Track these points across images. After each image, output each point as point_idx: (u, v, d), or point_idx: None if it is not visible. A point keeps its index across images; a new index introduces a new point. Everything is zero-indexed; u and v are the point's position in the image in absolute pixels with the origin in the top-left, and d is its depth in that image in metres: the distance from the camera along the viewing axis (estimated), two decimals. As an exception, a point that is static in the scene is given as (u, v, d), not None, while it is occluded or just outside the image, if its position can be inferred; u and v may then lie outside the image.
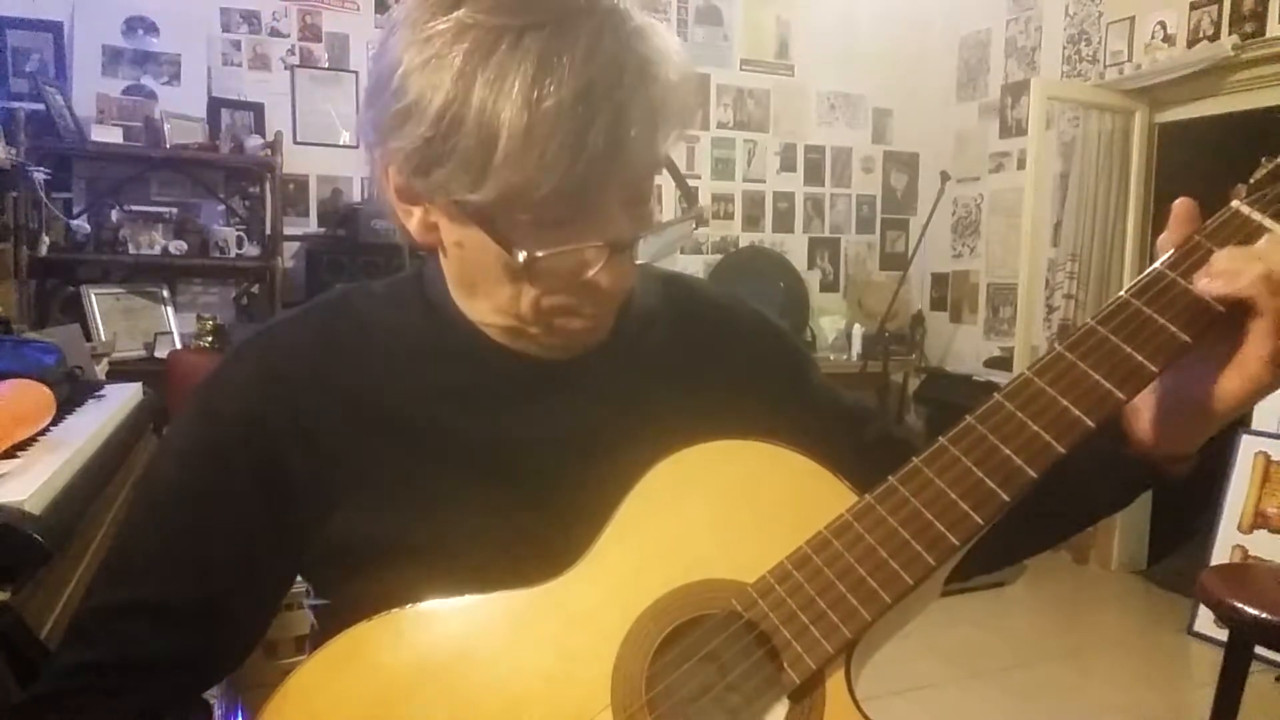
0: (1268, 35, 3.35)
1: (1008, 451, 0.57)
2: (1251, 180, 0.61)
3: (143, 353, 3.54)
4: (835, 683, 0.57)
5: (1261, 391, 0.58)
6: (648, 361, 0.74)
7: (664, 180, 0.68)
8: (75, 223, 3.49)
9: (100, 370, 2.74)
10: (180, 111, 3.65)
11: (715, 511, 0.63)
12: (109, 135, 3.44)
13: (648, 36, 0.60)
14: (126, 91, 3.64)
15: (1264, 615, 1.92)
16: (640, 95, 0.58)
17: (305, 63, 3.95)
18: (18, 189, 3.22)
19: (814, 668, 0.56)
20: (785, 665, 0.57)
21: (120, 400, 1.92)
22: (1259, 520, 3.18)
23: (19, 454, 1.36)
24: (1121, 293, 0.60)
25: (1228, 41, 3.41)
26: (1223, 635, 2.24)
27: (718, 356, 0.78)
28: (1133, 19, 3.85)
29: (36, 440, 1.45)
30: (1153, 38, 3.77)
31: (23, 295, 3.25)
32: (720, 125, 4.63)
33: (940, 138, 4.86)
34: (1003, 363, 4.27)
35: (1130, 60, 3.86)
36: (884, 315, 4.22)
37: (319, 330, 0.73)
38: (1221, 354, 0.58)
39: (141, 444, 1.87)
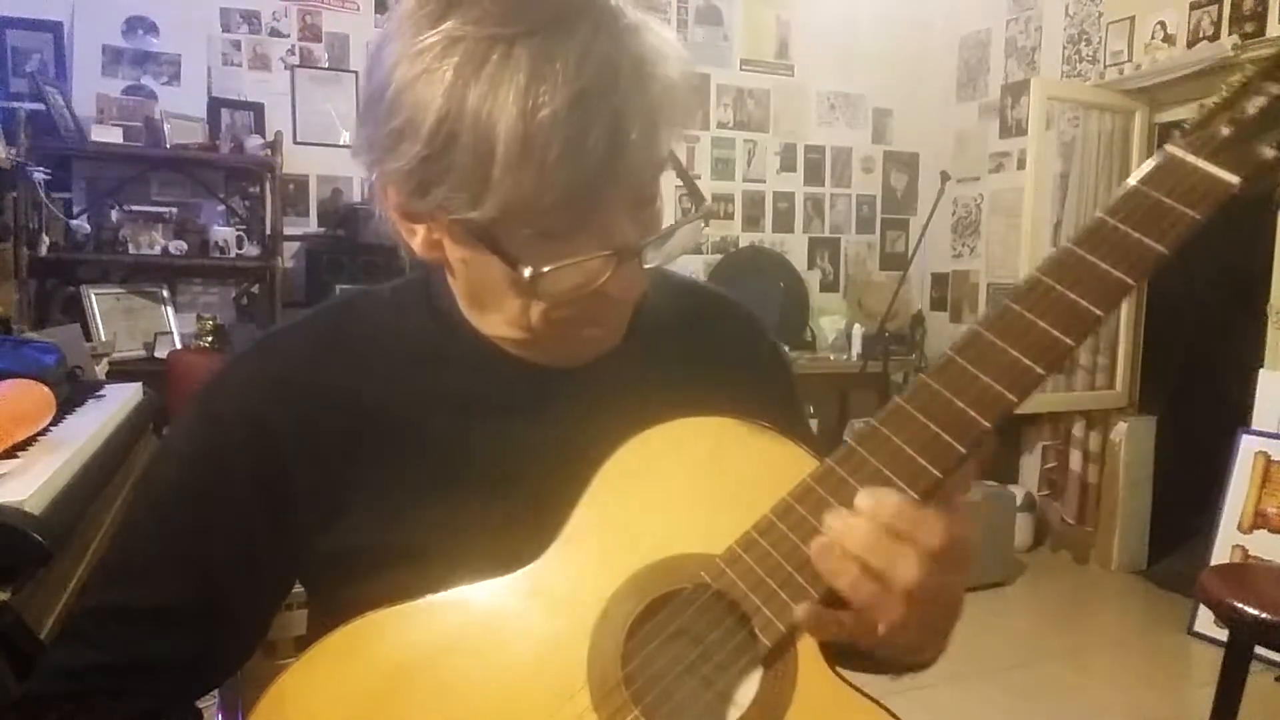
0: (1268, 35, 3.35)
1: (961, 405, 0.57)
2: (1187, 125, 0.61)
3: (143, 353, 3.54)
4: (807, 644, 0.58)
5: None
6: (654, 365, 0.73)
7: (667, 178, 0.67)
8: (75, 223, 3.49)
9: (100, 370, 2.74)
10: (180, 111, 3.65)
11: (682, 488, 0.64)
12: (109, 135, 3.44)
13: (642, 34, 0.58)
14: (126, 91, 3.65)
15: (1264, 615, 1.92)
16: (637, 97, 0.57)
17: (305, 63, 3.95)
18: (18, 189, 3.22)
19: (783, 631, 0.57)
20: (756, 631, 0.57)
21: (120, 400, 1.92)
22: (1259, 520, 3.18)
23: (19, 454, 1.36)
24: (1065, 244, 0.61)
25: (1228, 41, 3.41)
26: (1223, 635, 2.24)
27: (718, 356, 0.78)
28: (1133, 19, 3.85)
29: (36, 440, 1.45)
30: (1153, 38, 3.77)
31: (23, 295, 3.24)
32: (720, 125, 4.63)
33: (940, 138, 4.86)
34: (1003, 363, 4.26)
35: (1130, 60, 3.86)
36: (884, 315, 4.22)
37: (324, 335, 0.72)
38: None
39: (141, 444, 1.87)
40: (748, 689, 0.58)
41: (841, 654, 0.60)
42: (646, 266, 0.63)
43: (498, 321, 0.67)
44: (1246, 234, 3.30)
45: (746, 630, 0.58)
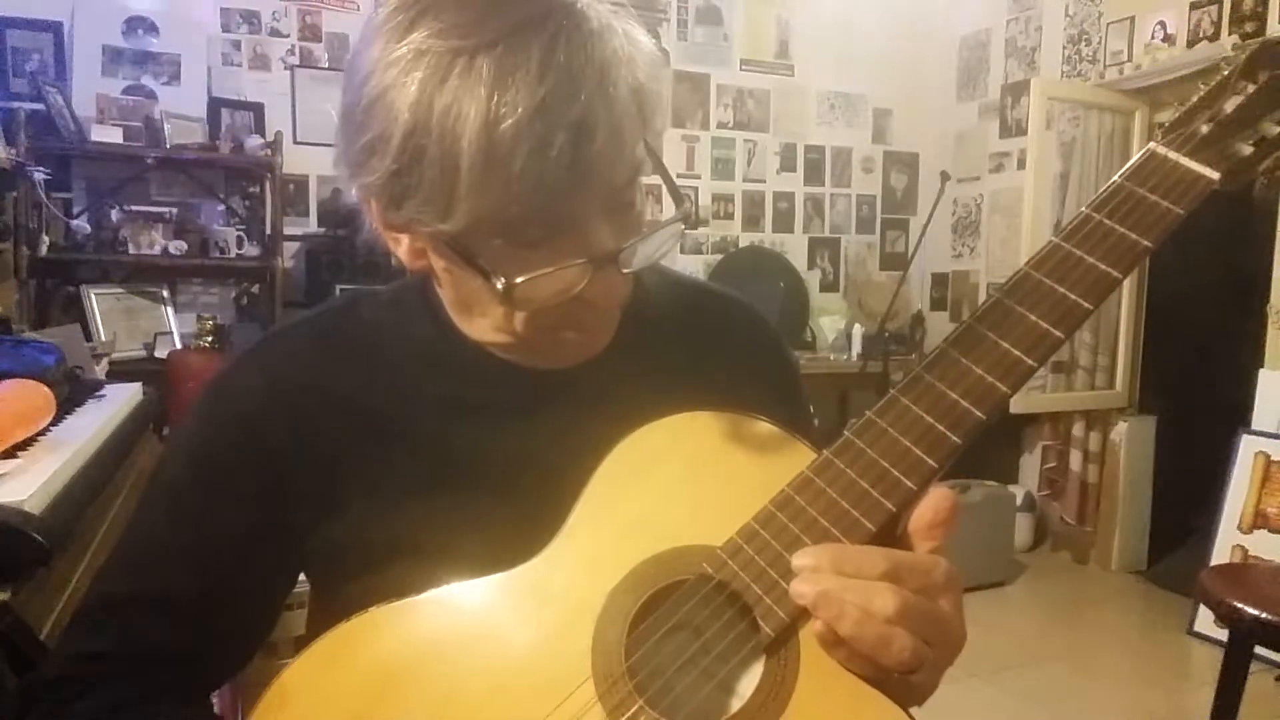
0: (1268, 35, 3.35)
1: (955, 396, 0.58)
2: (1167, 123, 0.64)
3: (143, 353, 3.54)
4: (809, 633, 0.58)
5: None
6: (651, 364, 0.73)
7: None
8: (75, 223, 3.49)
9: (100, 370, 2.74)
10: (180, 111, 3.65)
11: (682, 481, 0.64)
12: (109, 135, 3.44)
13: (608, 39, 0.57)
14: (126, 91, 3.65)
15: (1264, 615, 1.92)
16: (601, 103, 0.56)
17: (305, 63, 3.95)
18: (18, 189, 3.22)
19: (786, 620, 0.57)
20: (759, 620, 0.58)
21: (120, 400, 1.92)
22: (1259, 520, 3.18)
23: (19, 454, 1.36)
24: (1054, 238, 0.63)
25: (1228, 41, 3.41)
26: (1223, 635, 2.24)
27: (718, 353, 0.78)
28: (1133, 19, 3.85)
29: (36, 440, 1.45)
30: (1153, 38, 3.77)
31: (23, 295, 3.25)
32: (720, 125, 4.63)
33: (940, 138, 4.86)
34: (1003, 363, 4.26)
35: (1130, 60, 3.86)
36: (884, 315, 4.22)
37: (324, 336, 0.73)
38: None
39: (141, 444, 1.87)
40: (751, 678, 0.59)
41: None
42: (626, 271, 0.63)
43: (485, 327, 0.68)
44: (1247, 234, 3.30)
45: (749, 620, 0.58)
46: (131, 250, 3.52)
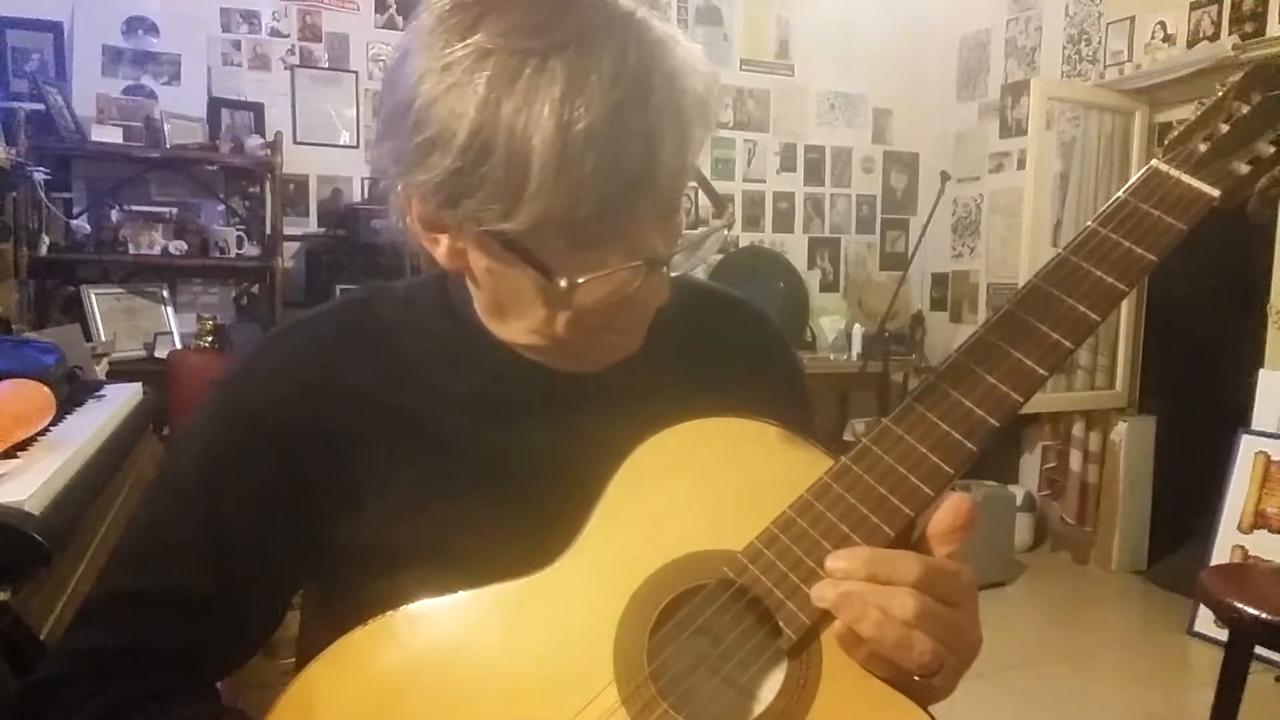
0: (1268, 35, 3.35)
1: (970, 404, 0.60)
2: (1167, 142, 0.66)
3: (143, 353, 3.54)
4: (830, 636, 0.58)
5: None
6: (667, 368, 0.73)
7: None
8: (75, 223, 3.49)
9: (100, 370, 2.74)
10: (180, 111, 3.66)
11: (699, 487, 0.65)
12: (109, 135, 3.44)
13: (671, 48, 0.59)
14: (126, 91, 3.65)
15: (1264, 615, 1.92)
16: (670, 110, 0.57)
17: (305, 63, 3.95)
18: (18, 189, 3.21)
19: (808, 624, 0.58)
20: (781, 624, 0.58)
21: (120, 400, 1.92)
22: (1259, 520, 3.18)
23: (19, 454, 1.37)
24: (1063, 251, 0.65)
25: (1228, 41, 3.41)
26: (1223, 635, 2.24)
27: (726, 355, 0.79)
28: (1133, 19, 3.85)
29: (36, 440, 1.46)
30: (1153, 38, 3.78)
31: (23, 295, 3.25)
32: (720, 125, 4.63)
33: (940, 138, 4.86)
34: (1003, 363, 4.26)
35: (1130, 60, 3.86)
36: (884, 315, 4.22)
37: (343, 331, 0.72)
38: None
39: (141, 444, 1.87)
40: (774, 682, 0.59)
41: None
42: (673, 274, 0.65)
43: (519, 330, 0.67)
44: (1247, 235, 3.30)
45: (771, 625, 0.59)
46: (131, 250, 3.52)
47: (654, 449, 0.65)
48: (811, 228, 4.89)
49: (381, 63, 4.05)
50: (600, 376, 0.70)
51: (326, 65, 3.98)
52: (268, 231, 3.77)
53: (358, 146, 4.03)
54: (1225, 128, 0.64)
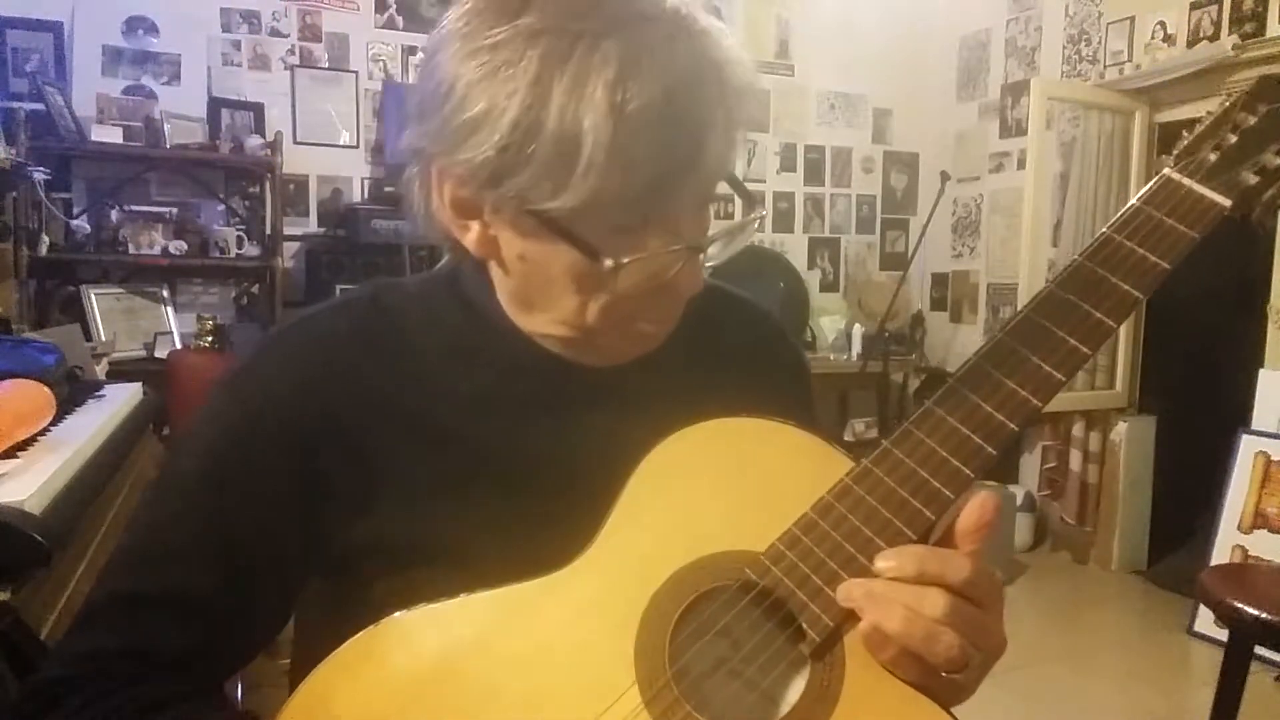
0: (1268, 35, 3.35)
1: (989, 409, 0.61)
2: (1176, 151, 0.67)
3: (143, 353, 3.54)
4: (853, 638, 0.58)
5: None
6: (675, 367, 0.72)
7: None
8: (75, 223, 3.49)
9: (100, 370, 2.74)
10: (180, 111, 3.66)
11: (719, 487, 0.64)
12: (109, 135, 3.44)
13: (717, 40, 0.60)
14: (126, 91, 3.65)
15: (1264, 615, 1.92)
16: (717, 98, 0.59)
17: (305, 63, 3.95)
18: (18, 189, 3.22)
19: (831, 626, 0.58)
20: (804, 626, 0.58)
21: (120, 400, 1.92)
22: (1259, 520, 3.18)
23: (19, 454, 1.37)
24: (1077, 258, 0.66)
25: (1228, 41, 3.41)
26: (1223, 635, 2.24)
27: (742, 362, 0.78)
28: (1133, 19, 3.85)
29: (36, 440, 1.46)
30: (1153, 38, 3.78)
31: (23, 295, 3.24)
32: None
33: (940, 138, 4.86)
34: (1003, 363, 4.26)
35: (1130, 60, 3.86)
36: (884, 315, 4.22)
37: (354, 326, 0.71)
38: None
39: (141, 444, 1.87)
40: (797, 683, 0.59)
41: None
42: (709, 264, 0.65)
43: (545, 320, 0.67)
44: (1247, 235, 3.30)
45: (794, 627, 0.59)
46: (131, 250, 3.52)
47: (673, 448, 0.65)
48: (811, 228, 4.89)
49: (382, 62, 4.06)
50: (613, 374, 0.70)
51: (326, 65, 3.98)
52: (268, 231, 3.77)
53: (358, 146, 4.03)
54: (1233, 138, 0.65)
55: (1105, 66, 3.97)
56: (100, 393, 1.98)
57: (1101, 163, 3.92)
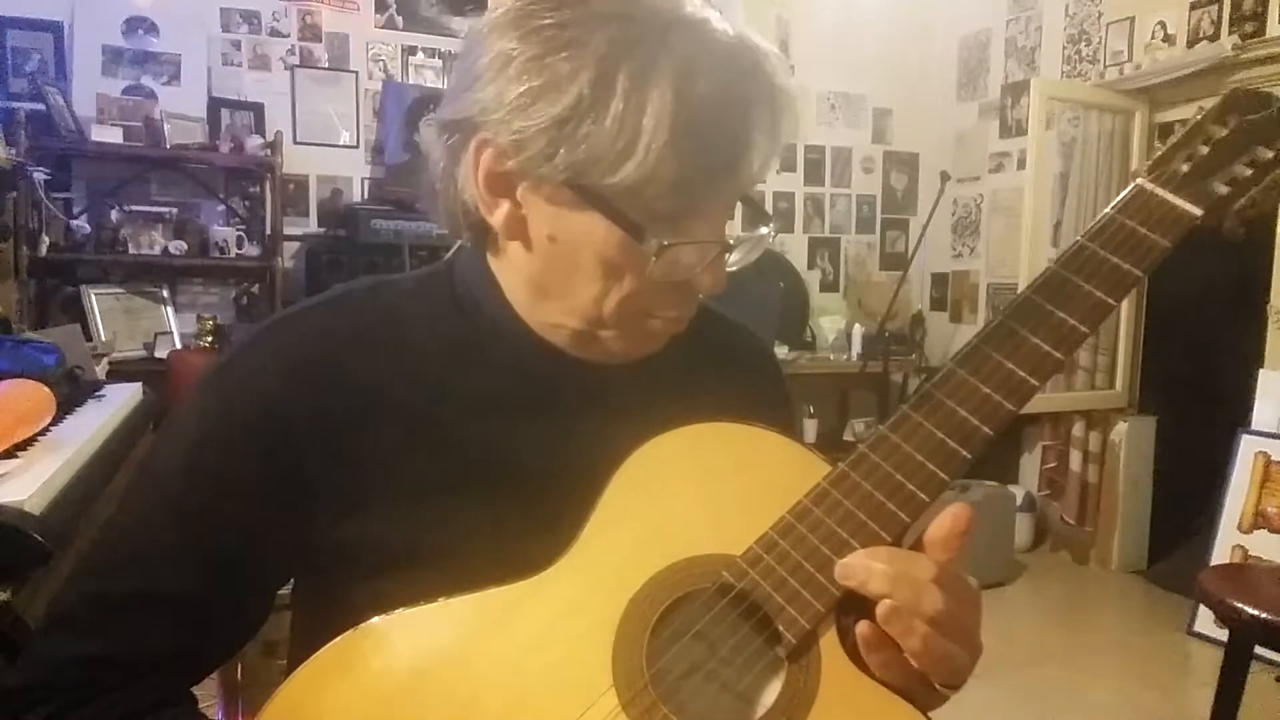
0: (1268, 35, 3.35)
1: (964, 414, 0.62)
2: (1150, 161, 0.69)
3: (143, 353, 3.54)
4: (829, 641, 0.59)
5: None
6: (669, 382, 0.72)
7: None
8: (75, 223, 3.49)
9: (100, 370, 2.74)
10: (180, 111, 3.66)
11: (698, 491, 0.65)
12: (109, 135, 3.44)
13: (766, 53, 0.64)
14: (126, 91, 3.65)
15: (1264, 615, 1.92)
16: (767, 106, 0.62)
17: (305, 63, 3.95)
18: (18, 189, 3.22)
19: (808, 628, 0.59)
20: (781, 629, 0.59)
21: (120, 400, 1.92)
22: (1259, 520, 3.18)
23: (19, 454, 1.37)
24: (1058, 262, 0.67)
25: (1228, 41, 3.41)
26: (1223, 635, 2.24)
27: (724, 381, 0.78)
28: (1133, 19, 3.85)
29: (36, 440, 1.46)
30: (1153, 38, 3.78)
31: (23, 295, 3.25)
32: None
33: (940, 138, 4.86)
34: (1003, 363, 4.26)
35: (1130, 60, 3.86)
36: (884, 315, 4.22)
37: (344, 322, 0.70)
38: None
39: (141, 444, 1.87)
40: (773, 685, 0.59)
41: None
42: (731, 268, 0.67)
43: (558, 309, 0.67)
44: (1246, 234, 3.30)
45: (771, 629, 0.59)
46: (131, 250, 3.52)
47: (652, 452, 0.65)
48: (811, 228, 4.89)
49: (382, 62, 4.06)
50: (609, 378, 0.70)
51: (326, 65, 3.98)
52: (268, 231, 3.77)
53: (358, 146, 4.03)
54: (1205, 150, 0.67)
55: (1105, 66, 3.97)
56: (100, 393, 1.98)
57: (1101, 163, 3.92)
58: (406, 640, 0.60)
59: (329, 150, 3.99)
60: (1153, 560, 3.99)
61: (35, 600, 1.11)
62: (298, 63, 3.94)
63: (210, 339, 3.56)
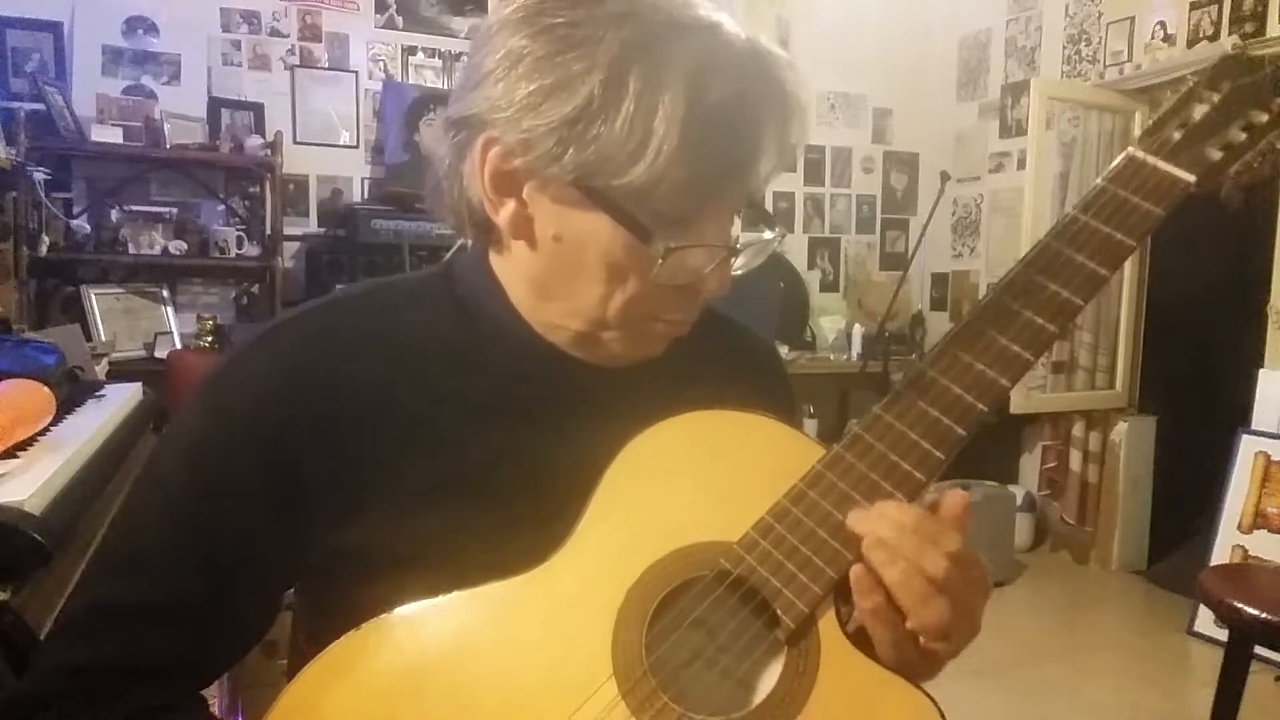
0: (1268, 35, 3.35)
1: (959, 390, 0.62)
2: (1142, 130, 0.69)
3: (143, 353, 3.54)
4: (827, 623, 0.59)
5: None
6: (672, 384, 0.72)
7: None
8: (75, 223, 3.49)
9: (100, 370, 2.74)
10: (180, 111, 3.66)
11: (695, 478, 0.65)
12: (109, 135, 3.44)
13: (779, 59, 0.64)
14: (126, 91, 3.65)
15: (1264, 615, 1.92)
16: (779, 112, 0.62)
17: (305, 63, 3.95)
18: (18, 189, 3.22)
19: (805, 611, 0.59)
20: (779, 613, 0.59)
21: (120, 400, 1.92)
22: (1259, 520, 3.18)
23: (19, 454, 1.36)
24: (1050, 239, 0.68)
25: (1228, 41, 3.41)
26: (1223, 635, 2.24)
27: (727, 384, 0.77)
28: (1133, 19, 3.85)
29: (36, 440, 1.45)
30: (1153, 38, 3.78)
31: (23, 295, 3.25)
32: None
33: (940, 138, 4.86)
34: (1003, 363, 4.26)
35: (1130, 60, 3.86)
36: (884, 315, 4.22)
37: (343, 325, 0.70)
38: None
39: (141, 444, 1.87)
40: (773, 669, 0.59)
41: None
42: (736, 272, 0.67)
43: (561, 311, 0.67)
44: (1247, 234, 3.30)
45: (769, 613, 0.59)
46: (131, 250, 3.52)
47: (649, 442, 0.65)
48: (811, 228, 4.89)
49: (381, 62, 4.06)
50: (610, 380, 0.70)
51: (326, 65, 3.97)
52: (268, 231, 3.77)
53: (358, 146, 4.03)
54: (1197, 116, 0.66)
55: (1105, 66, 3.97)
56: (100, 393, 1.98)
57: (1101, 163, 3.92)
58: (408, 637, 0.60)
59: (329, 150, 3.99)
60: (1153, 560, 3.99)
61: (35, 600, 1.11)
62: (298, 63, 3.94)
63: (210, 339, 3.56)
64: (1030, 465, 4.38)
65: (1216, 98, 0.66)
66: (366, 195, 4.01)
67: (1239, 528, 3.21)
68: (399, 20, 4.07)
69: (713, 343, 0.79)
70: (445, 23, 4.15)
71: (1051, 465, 4.23)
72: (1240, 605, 1.96)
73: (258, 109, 3.86)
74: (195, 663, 0.66)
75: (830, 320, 4.69)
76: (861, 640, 0.61)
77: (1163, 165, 0.65)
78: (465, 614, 0.61)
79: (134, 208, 3.60)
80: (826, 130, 4.85)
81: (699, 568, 0.61)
